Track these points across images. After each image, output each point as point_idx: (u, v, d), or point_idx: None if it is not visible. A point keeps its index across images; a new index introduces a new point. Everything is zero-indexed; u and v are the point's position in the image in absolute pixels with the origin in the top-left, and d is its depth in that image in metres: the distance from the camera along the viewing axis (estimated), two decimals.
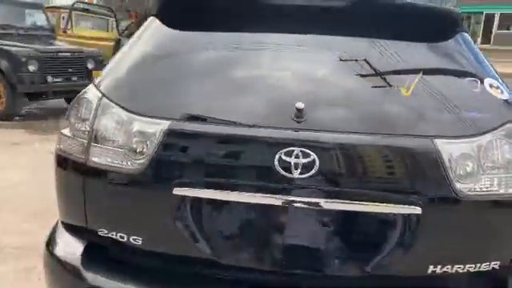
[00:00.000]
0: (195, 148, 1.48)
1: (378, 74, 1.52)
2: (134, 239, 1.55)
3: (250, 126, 1.45)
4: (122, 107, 1.55)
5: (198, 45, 1.71)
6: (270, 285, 1.52)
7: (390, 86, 1.51)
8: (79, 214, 1.62)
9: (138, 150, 1.50)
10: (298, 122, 1.42)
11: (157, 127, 1.48)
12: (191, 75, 1.60)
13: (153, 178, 1.49)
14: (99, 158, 1.55)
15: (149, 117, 1.51)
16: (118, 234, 1.57)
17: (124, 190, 1.54)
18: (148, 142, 1.49)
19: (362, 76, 1.52)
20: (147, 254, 1.56)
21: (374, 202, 1.39)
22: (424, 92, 1.50)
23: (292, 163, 1.39)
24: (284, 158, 1.40)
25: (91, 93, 1.64)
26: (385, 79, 1.51)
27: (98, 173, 1.56)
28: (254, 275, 1.52)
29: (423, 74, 1.54)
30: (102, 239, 1.60)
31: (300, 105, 1.41)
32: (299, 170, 1.39)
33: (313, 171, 1.38)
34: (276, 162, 1.40)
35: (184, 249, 1.52)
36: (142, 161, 1.49)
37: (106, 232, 1.58)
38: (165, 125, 1.48)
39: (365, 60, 1.53)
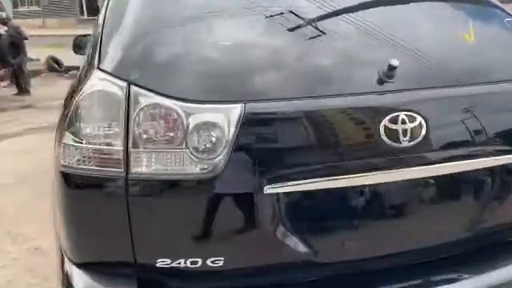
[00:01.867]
0: (284, 131, 1.18)
1: (457, 21, 1.39)
2: (213, 261, 1.20)
3: (344, 96, 1.20)
4: (167, 95, 1.15)
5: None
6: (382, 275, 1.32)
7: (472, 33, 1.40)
8: (120, 246, 1.20)
9: (206, 148, 1.14)
10: (393, 83, 1.23)
11: (229, 114, 1.14)
12: (256, 40, 1.26)
13: (234, 179, 1.15)
14: (147, 166, 1.14)
15: (213, 102, 1.15)
16: (189, 260, 1.20)
17: (192, 202, 1.17)
18: (220, 135, 1.14)
19: (443, 26, 1.38)
20: (230, 275, 1.23)
21: (491, 155, 1.28)
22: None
23: (400, 130, 1.20)
24: (390, 126, 1.19)
25: (106, 82, 1.18)
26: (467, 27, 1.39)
27: (149, 186, 1.16)
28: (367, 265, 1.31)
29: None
30: (161, 273, 1.21)
31: (395, 62, 1.21)
32: (408, 137, 1.20)
33: (421, 136, 1.21)
34: (382, 132, 1.19)
35: (276, 255, 1.23)
36: (215, 161, 1.13)
37: (170, 262, 1.20)
38: (238, 109, 1.14)
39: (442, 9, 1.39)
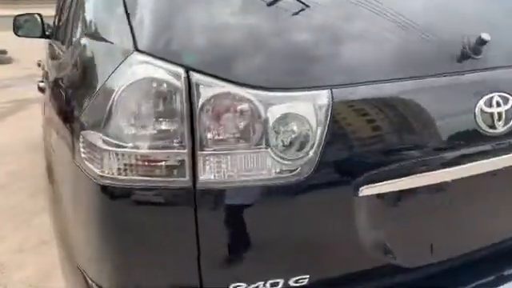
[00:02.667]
0: (377, 120, 0.99)
1: None
2: (297, 280, 1.00)
3: (440, 76, 1.03)
4: (238, 82, 0.92)
5: None
6: None
7: None
8: (183, 269, 0.97)
9: (291, 146, 0.93)
10: (484, 60, 1.08)
11: (316, 102, 0.93)
12: (339, 13, 1.05)
13: (326, 182, 0.95)
14: (218, 173, 0.91)
15: (295, 89, 0.94)
16: (269, 282, 0.99)
17: (274, 212, 0.96)
18: (307, 129, 0.93)
19: None
20: None
21: None
22: None
23: (495, 113, 1.06)
24: (485, 109, 1.05)
25: (154, 68, 0.92)
26: None
27: (222, 197, 0.93)
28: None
29: None
30: None
31: (486, 36, 1.05)
32: (502, 122, 1.07)
33: None
34: (478, 116, 1.04)
35: (366, 264, 1.06)
36: (302, 161, 0.93)
37: (245, 286, 0.98)
38: (325, 96, 0.94)
39: None
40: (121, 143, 0.92)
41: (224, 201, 0.93)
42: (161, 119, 0.91)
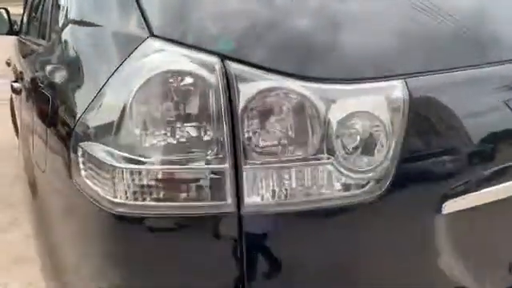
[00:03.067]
0: (462, 117, 0.79)
1: None
2: None
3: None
4: (288, 73, 0.70)
5: None
6: None
7: None
8: None
9: (361, 154, 0.72)
10: None
11: (389, 96, 0.72)
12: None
13: (404, 198, 0.75)
14: (269, 192, 0.70)
15: (362, 80, 0.73)
16: None
17: (338, 239, 0.74)
18: (380, 131, 0.72)
19: None
20: None
21: None
22: None
23: None
24: None
25: (178, 57, 0.70)
26: None
27: (274, 223, 0.71)
28: None
29: None
30: None
31: None
32: None
33: None
34: None
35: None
36: (376, 173, 0.72)
37: None
38: (400, 88, 0.73)
39: None
40: (138, 158, 0.69)
41: (275, 230, 0.72)
42: (190, 124, 0.69)
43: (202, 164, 0.68)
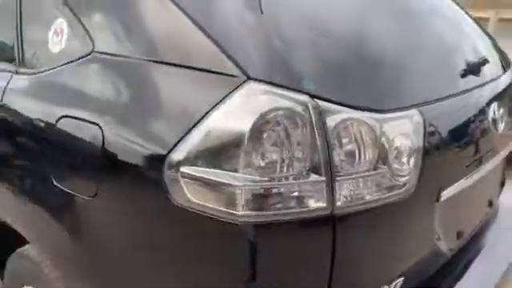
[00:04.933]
0: (455, 130, 1.15)
1: None
2: (396, 284, 1.09)
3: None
4: (353, 106, 0.95)
5: None
6: None
7: None
8: None
9: (401, 165, 1.00)
10: None
11: (413, 120, 1.03)
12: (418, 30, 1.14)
13: (422, 194, 1.05)
14: (352, 197, 0.94)
15: (395, 110, 1.01)
16: None
17: (390, 227, 1.03)
18: (411, 146, 1.02)
19: None
20: None
21: None
22: None
23: None
24: None
25: (276, 97, 0.89)
26: None
27: (354, 221, 0.96)
28: None
29: None
30: None
31: None
32: None
33: None
34: None
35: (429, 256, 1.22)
36: (409, 176, 1.01)
37: None
38: (417, 114, 1.04)
39: None
40: (256, 177, 0.87)
41: (356, 224, 0.96)
42: (294, 148, 0.89)
43: (305, 179, 0.89)
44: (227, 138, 0.87)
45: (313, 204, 0.90)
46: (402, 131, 1.00)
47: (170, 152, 0.91)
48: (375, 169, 0.96)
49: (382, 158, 0.96)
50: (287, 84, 0.90)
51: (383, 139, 0.96)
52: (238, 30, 0.97)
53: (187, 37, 0.98)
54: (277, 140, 0.87)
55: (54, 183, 1.13)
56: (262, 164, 0.87)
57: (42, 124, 1.17)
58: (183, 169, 0.90)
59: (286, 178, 0.88)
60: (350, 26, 1.11)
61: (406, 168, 1.00)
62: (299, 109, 0.88)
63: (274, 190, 0.88)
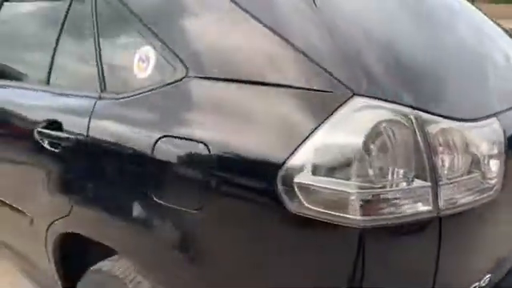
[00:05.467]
0: None
1: None
2: (485, 280, 1.16)
3: None
4: (447, 116, 1.04)
5: None
6: None
7: None
8: None
9: (490, 168, 1.09)
10: None
11: (496, 127, 1.12)
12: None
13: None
14: (452, 199, 1.02)
15: (481, 119, 1.10)
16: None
17: (482, 228, 1.11)
18: (495, 150, 1.10)
19: None
20: None
21: None
22: None
23: None
24: None
25: (384, 112, 0.98)
26: None
27: (456, 221, 1.04)
28: None
29: None
30: None
31: None
32: None
33: None
34: None
35: None
36: (495, 179, 1.10)
37: None
38: (497, 123, 1.13)
39: None
40: (368, 184, 0.95)
41: (456, 225, 1.04)
42: (401, 157, 0.97)
43: (413, 185, 0.97)
44: (340, 149, 0.96)
45: (420, 207, 0.98)
46: (488, 137, 1.08)
47: (282, 165, 0.99)
48: (469, 173, 1.04)
49: (475, 162, 1.05)
50: (389, 98, 0.99)
51: (473, 146, 1.05)
52: (341, 51, 1.06)
53: (288, 59, 1.07)
54: (386, 150, 0.96)
55: (155, 199, 1.20)
56: (374, 172, 0.95)
57: (140, 144, 1.24)
58: (298, 179, 0.98)
59: (396, 185, 0.96)
60: (439, 44, 1.21)
61: (494, 171, 1.08)
62: (404, 120, 0.97)
63: (385, 196, 0.96)
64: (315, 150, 0.97)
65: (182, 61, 1.22)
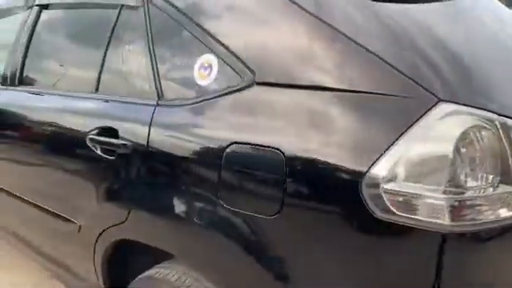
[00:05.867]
0: None
1: None
2: None
3: None
4: None
5: None
6: None
7: None
8: None
9: None
10: None
11: None
12: None
13: None
14: None
15: None
16: None
17: None
18: None
19: None
20: None
21: None
22: None
23: None
24: None
25: (470, 118, 0.99)
26: None
27: None
28: None
29: None
30: None
31: None
32: None
33: None
34: None
35: None
36: None
37: None
38: None
39: None
40: (458, 190, 0.95)
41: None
42: (488, 163, 0.98)
43: (498, 189, 0.98)
44: (430, 155, 0.96)
45: (505, 213, 0.98)
46: None
47: (367, 171, 0.99)
48: None
49: None
50: (474, 104, 0.99)
51: None
52: (425, 59, 1.06)
53: (371, 67, 1.08)
54: (475, 155, 0.96)
55: (223, 205, 1.20)
56: (464, 178, 0.95)
57: (207, 150, 1.25)
58: (386, 186, 0.98)
59: (484, 190, 0.97)
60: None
61: None
62: (490, 126, 0.98)
63: (474, 202, 0.96)
64: (402, 155, 0.97)
65: (248, 67, 1.22)
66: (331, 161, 1.05)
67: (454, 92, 1.00)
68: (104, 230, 1.57)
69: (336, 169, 1.05)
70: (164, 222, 1.39)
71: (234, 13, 1.34)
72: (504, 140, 0.98)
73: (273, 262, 1.17)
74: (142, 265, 1.54)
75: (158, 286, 1.44)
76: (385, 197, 0.98)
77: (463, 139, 0.95)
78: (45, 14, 2.03)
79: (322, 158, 1.06)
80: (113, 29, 1.64)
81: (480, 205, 0.97)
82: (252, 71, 1.21)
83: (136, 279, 1.53)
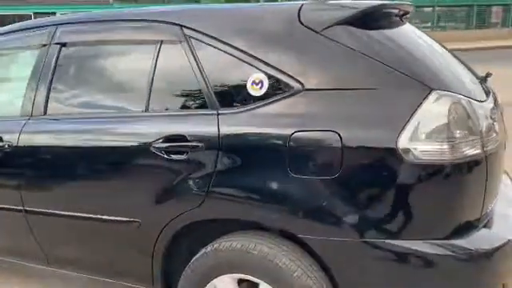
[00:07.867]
0: None
1: None
2: None
3: None
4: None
5: None
6: None
7: None
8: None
9: None
10: None
11: None
12: None
13: None
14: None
15: None
16: None
17: None
18: None
19: None
20: None
21: None
22: None
23: None
24: None
25: (455, 97, 1.65)
26: None
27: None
28: None
29: None
30: None
31: None
32: None
33: None
34: None
35: None
36: None
37: None
38: None
39: None
40: (454, 139, 1.61)
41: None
42: (466, 126, 1.65)
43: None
44: (436, 120, 1.60)
45: (471, 152, 1.65)
46: None
47: (398, 136, 1.60)
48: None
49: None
50: (449, 89, 1.67)
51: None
52: (415, 64, 1.73)
53: (380, 70, 1.71)
54: (457, 118, 1.63)
55: (292, 174, 1.72)
56: (454, 132, 1.61)
57: (274, 139, 1.76)
58: (409, 145, 1.59)
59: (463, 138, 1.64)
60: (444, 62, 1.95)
61: None
62: (464, 103, 1.65)
63: (459, 145, 1.62)
64: (418, 125, 1.60)
65: (295, 79, 1.78)
66: (373, 133, 1.64)
67: (436, 83, 1.67)
68: (172, 219, 1.95)
69: (377, 136, 1.64)
70: (241, 198, 1.83)
71: (276, 38, 1.89)
72: (468, 110, 1.66)
73: (334, 207, 1.72)
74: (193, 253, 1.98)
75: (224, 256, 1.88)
76: (412, 150, 1.59)
77: (450, 111, 1.62)
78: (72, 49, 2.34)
79: (368, 132, 1.65)
80: (155, 64, 2.05)
81: (463, 147, 1.63)
82: (300, 82, 1.77)
83: (201, 252, 1.95)
